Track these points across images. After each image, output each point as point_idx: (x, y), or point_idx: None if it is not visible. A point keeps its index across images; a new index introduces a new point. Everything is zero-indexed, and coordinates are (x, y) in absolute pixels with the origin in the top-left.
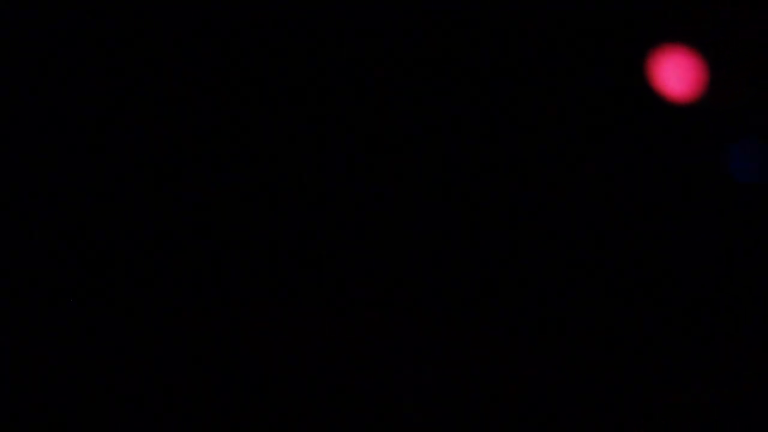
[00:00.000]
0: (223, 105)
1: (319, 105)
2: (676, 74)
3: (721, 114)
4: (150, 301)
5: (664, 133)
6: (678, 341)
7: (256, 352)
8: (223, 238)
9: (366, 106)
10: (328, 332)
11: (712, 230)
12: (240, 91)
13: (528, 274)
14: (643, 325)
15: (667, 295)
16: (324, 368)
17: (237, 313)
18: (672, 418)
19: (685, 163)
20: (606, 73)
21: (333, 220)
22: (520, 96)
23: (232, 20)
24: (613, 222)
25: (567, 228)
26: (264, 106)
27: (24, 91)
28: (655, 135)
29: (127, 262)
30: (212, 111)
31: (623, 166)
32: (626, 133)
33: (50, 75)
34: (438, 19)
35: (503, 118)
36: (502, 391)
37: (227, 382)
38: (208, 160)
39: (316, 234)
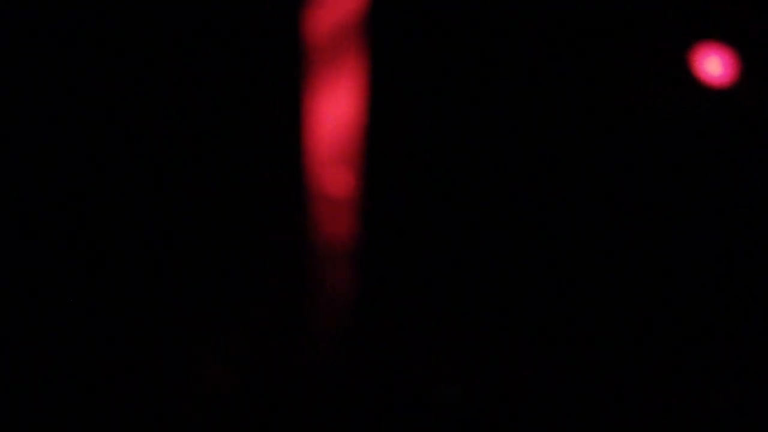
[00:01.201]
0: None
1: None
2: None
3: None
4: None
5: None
6: (679, 341)
7: (256, 352)
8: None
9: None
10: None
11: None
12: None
13: (528, 274)
14: (644, 325)
15: (667, 295)
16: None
17: (237, 313)
18: (672, 418)
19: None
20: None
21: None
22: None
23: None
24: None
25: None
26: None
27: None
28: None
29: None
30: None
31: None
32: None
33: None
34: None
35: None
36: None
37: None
38: (207, 160)
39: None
